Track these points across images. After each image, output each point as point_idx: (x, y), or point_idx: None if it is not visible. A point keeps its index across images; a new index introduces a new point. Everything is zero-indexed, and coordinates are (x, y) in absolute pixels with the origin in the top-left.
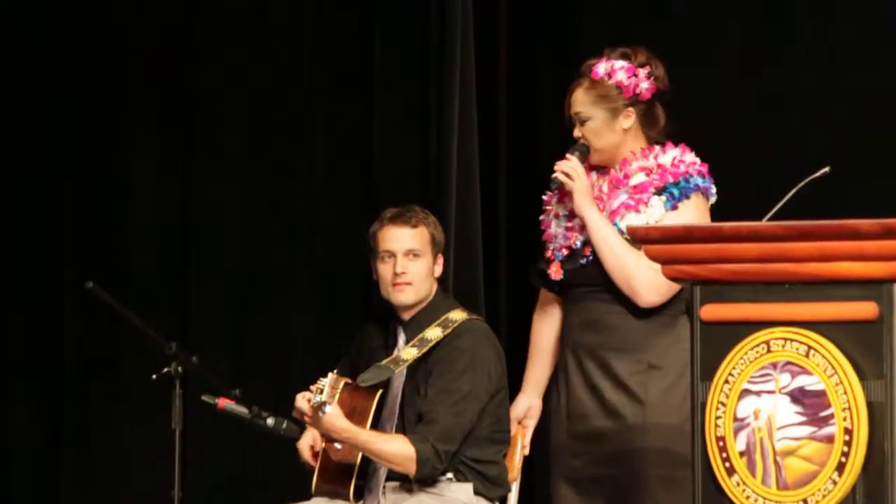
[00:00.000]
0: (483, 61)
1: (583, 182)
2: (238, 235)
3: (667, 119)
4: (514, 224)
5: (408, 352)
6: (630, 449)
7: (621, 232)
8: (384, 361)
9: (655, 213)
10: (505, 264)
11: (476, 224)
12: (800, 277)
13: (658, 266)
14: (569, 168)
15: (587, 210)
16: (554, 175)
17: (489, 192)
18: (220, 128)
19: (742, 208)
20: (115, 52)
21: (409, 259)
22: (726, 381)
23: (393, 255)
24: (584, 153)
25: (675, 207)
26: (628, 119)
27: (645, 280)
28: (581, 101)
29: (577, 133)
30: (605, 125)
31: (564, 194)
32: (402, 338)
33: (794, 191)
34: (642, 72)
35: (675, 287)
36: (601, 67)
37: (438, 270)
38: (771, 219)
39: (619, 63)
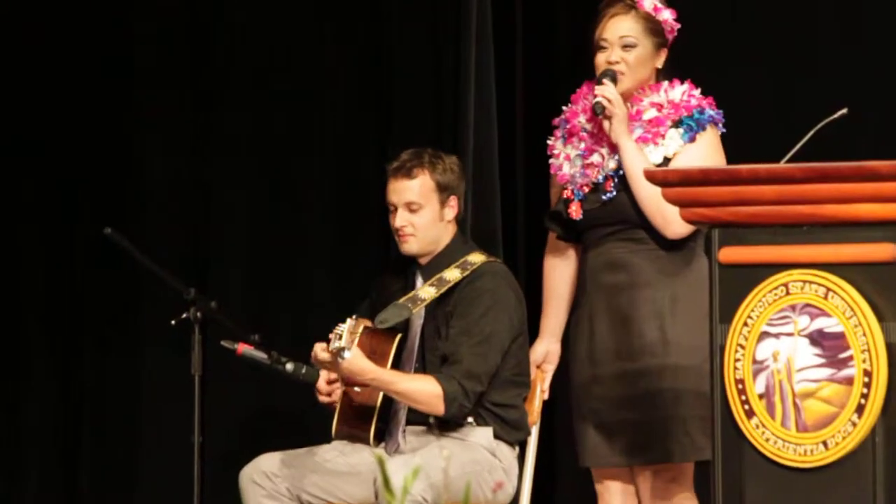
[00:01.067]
0: (500, 8)
1: (622, 110)
2: (257, 186)
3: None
4: (532, 168)
5: (426, 290)
6: (660, 389)
7: None
8: (402, 300)
9: (673, 146)
10: (522, 208)
11: (494, 169)
12: (818, 219)
13: None
14: (610, 93)
15: (625, 138)
16: (597, 100)
17: (507, 137)
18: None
19: (760, 150)
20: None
21: (408, 211)
22: (745, 324)
23: (394, 207)
24: (615, 80)
25: (692, 139)
26: (661, 58)
27: (676, 210)
28: (632, 27)
29: (613, 58)
30: (649, 57)
31: (573, 132)
32: (419, 280)
33: (811, 132)
34: (673, 16)
35: None
36: (647, 2)
37: (450, 214)
38: (789, 161)
39: (660, 2)
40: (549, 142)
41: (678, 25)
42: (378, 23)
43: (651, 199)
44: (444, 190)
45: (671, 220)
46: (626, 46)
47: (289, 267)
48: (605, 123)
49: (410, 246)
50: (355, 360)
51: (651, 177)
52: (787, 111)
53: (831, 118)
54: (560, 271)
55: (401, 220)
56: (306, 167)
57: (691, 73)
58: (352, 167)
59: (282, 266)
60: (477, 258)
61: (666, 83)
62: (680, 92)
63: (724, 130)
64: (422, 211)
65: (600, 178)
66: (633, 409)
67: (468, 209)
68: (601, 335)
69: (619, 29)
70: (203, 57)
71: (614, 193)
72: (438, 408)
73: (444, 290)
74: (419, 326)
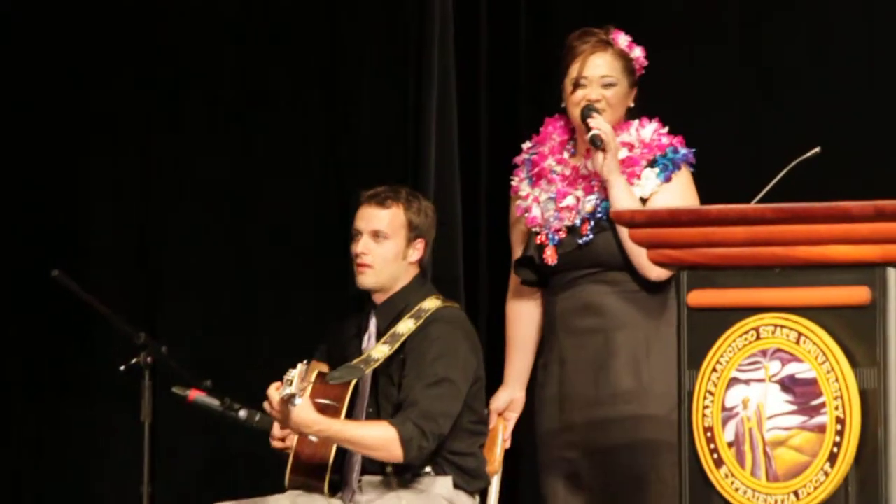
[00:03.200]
0: (462, 44)
1: (616, 143)
2: (211, 227)
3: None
4: (496, 210)
5: (379, 350)
6: (634, 437)
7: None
8: (354, 361)
9: (650, 186)
10: (485, 252)
11: (456, 212)
12: (790, 261)
13: None
14: (605, 126)
15: (616, 173)
16: (594, 133)
17: (470, 174)
18: (186, 110)
19: (730, 191)
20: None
21: (372, 240)
22: (714, 370)
23: (360, 233)
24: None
25: (668, 179)
26: (632, 96)
27: None
28: (612, 65)
29: (594, 95)
30: (625, 96)
31: (541, 175)
32: (373, 323)
33: (783, 172)
34: (643, 54)
35: None
36: (622, 39)
37: (414, 256)
38: (760, 201)
39: (630, 40)
40: (512, 182)
41: (646, 63)
42: (334, 59)
43: None
44: (413, 229)
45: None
46: (606, 85)
47: (243, 310)
48: (599, 157)
49: (367, 278)
50: (302, 411)
51: (619, 218)
52: (757, 150)
53: (804, 156)
54: (525, 316)
55: (362, 246)
56: (262, 209)
57: (657, 111)
58: (308, 209)
59: (236, 309)
60: (431, 304)
61: (636, 122)
62: (651, 131)
63: (693, 169)
64: (386, 243)
65: (577, 221)
66: (605, 457)
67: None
68: (572, 381)
69: (599, 67)
70: (154, 100)
71: (591, 237)
72: (396, 452)
73: (397, 345)
74: (373, 376)
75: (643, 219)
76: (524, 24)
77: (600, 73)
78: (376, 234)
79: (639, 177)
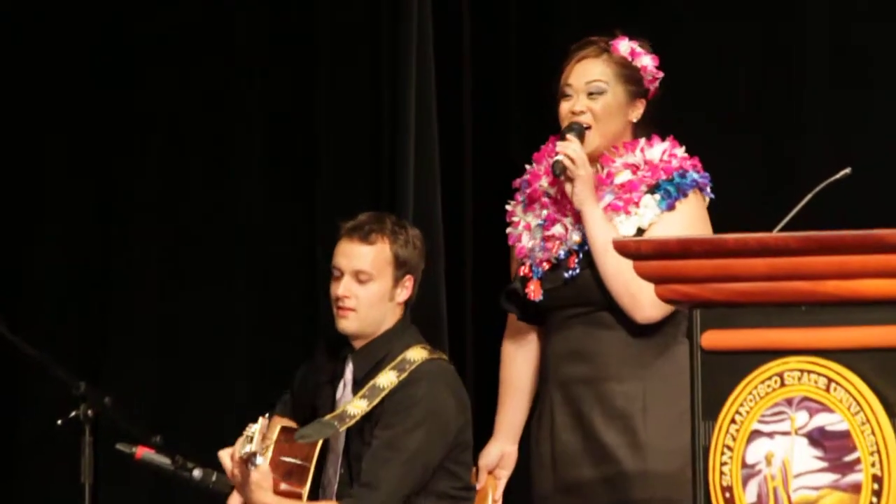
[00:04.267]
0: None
1: (587, 170)
2: (162, 264)
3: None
4: (482, 238)
5: (356, 405)
6: (628, 501)
7: None
8: (328, 417)
9: (649, 215)
10: (471, 286)
11: (438, 235)
12: (817, 298)
13: None
14: (573, 151)
15: (589, 204)
16: (557, 158)
17: (452, 197)
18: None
19: (749, 219)
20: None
21: (356, 281)
22: (733, 421)
23: (341, 273)
24: (582, 135)
25: (671, 207)
26: (637, 110)
27: (649, 291)
28: (602, 71)
29: (578, 107)
30: (619, 107)
31: (534, 198)
32: (349, 370)
33: (810, 195)
34: (654, 63)
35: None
36: (623, 46)
37: (403, 295)
38: (783, 229)
39: (640, 48)
40: (508, 207)
41: (660, 74)
42: (305, 63)
43: (618, 276)
44: (401, 266)
45: (641, 302)
46: (592, 94)
47: (198, 357)
48: (568, 187)
49: (349, 323)
50: (264, 481)
51: (622, 248)
52: (781, 173)
53: (833, 178)
54: (520, 359)
55: (345, 289)
56: (217, 242)
57: (672, 130)
58: (271, 239)
59: (189, 356)
60: (417, 355)
61: (643, 141)
62: (660, 151)
63: (712, 196)
64: (371, 284)
65: (562, 253)
66: None
67: None
68: (562, 436)
69: (585, 73)
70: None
71: (578, 271)
72: None
73: (376, 401)
74: (345, 433)
75: (650, 249)
76: (514, 20)
77: (585, 79)
78: (359, 274)
79: (637, 204)
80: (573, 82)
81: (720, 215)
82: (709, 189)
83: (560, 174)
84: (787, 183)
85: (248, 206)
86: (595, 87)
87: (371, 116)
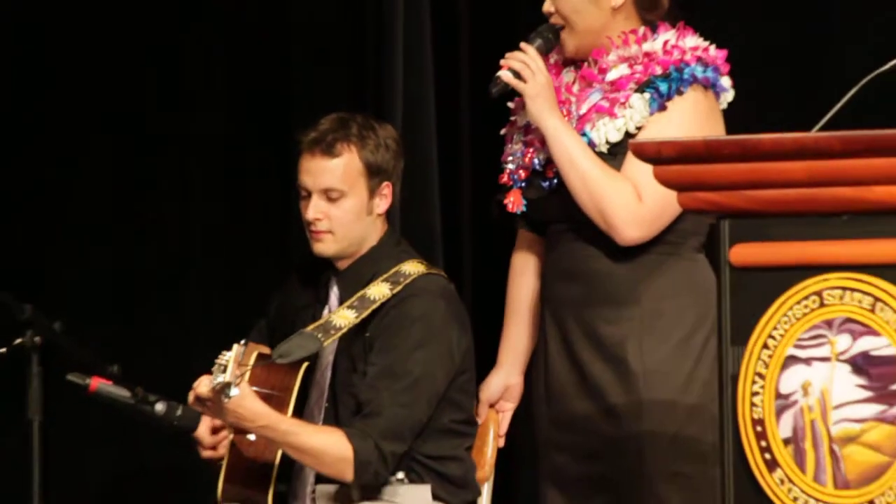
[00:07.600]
0: None
1: (538, 81)
2: (122, 170)
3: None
4: (480, 148)
5: (342, 315)
6: (622, 437)
7: (592, 144)
8: (309, 327)
9: (636, 117)
10: (468, 198)
11: (431, 148)
12: (862, 206)
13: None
14: (518, 64)
15: (544, 117)
16: (498, 74)
17: (447, 107)
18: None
19: (785, 118)
20: None
21: (326, 200)
22: (765, 346)
23: (308, 193)
24: (549, 41)
25: (662, 107)
26: None
27: (622, 209)
28: None
29: (545, 8)
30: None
31: (516, 124)
32: (334, 293)
33: (855, 89)
34: None
35: (665, 218)
36: None
37: (383, 205)
38: (824, 128)
39: None
40: (510, 104)
41: None
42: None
43: (587, 196)
44: (375, 174)
45: (616, 224)
46: None
47: (160, 274)
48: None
49: (326, 246)
50: (244, 400)
51: (639, 151)
52: (818, 69)
53: (882, 69)
54: (528, 276)
55: (315, 211)
56: (183, 152)
57: (693, 21)
58: (241, 151)
59: (150, 274)
60: (412, 268)
61: (644, 30)
62: (662, 42)
63: (727, 91)
64: (343, 200)
65: (537, 162)
66: (597, 461)
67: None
68: (555, 366)
69: None
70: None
71: (556, 182)
72: (345, 473)
73: (366, 313)
74: (331, 356)
75: (672, 152)
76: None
77: None
78: (328, 192)
79: (624, 104)
80: None
81: (753, 115)
82: (724, 87)
83: (499, 92)
84: (823, 81)
85: (215, 126)
86: None
87: (352, 17)
